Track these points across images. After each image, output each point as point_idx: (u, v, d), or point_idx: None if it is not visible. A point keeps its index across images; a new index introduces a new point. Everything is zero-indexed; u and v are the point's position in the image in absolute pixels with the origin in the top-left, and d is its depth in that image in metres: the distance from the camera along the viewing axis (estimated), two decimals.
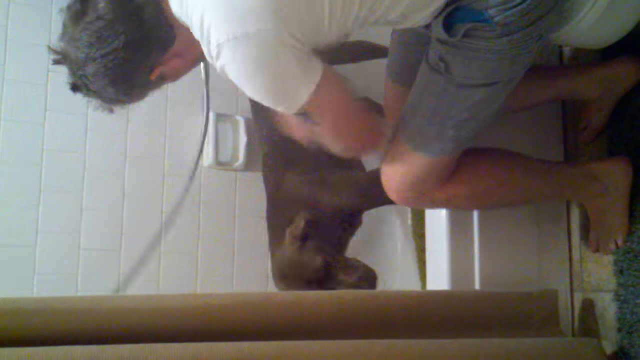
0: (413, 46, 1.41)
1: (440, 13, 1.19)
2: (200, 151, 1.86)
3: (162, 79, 1.29)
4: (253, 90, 1.17)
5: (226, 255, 2.25)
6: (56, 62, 1.25)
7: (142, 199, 2.19)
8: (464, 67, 1.21)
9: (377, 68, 1.67)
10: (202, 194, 2.26)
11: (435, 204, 1.52)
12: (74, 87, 1.26)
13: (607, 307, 1.54)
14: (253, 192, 2.28)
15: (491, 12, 1.14)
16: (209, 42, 1.12)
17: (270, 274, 2.24)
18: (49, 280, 2.05)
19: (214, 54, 1.13)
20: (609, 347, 1.49)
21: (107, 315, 1.25)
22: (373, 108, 2.17)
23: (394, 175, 1.37)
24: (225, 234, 2.26)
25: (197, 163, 1.83)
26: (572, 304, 1.67)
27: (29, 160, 2.11)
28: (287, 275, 1.64)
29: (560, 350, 1.35)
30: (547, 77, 1.56)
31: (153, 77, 1.25)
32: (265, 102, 1.20)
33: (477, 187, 1.41)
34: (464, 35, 1.17)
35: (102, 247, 2.12)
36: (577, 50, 1.66)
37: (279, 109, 1.21)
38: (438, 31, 1.20)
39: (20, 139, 2.12)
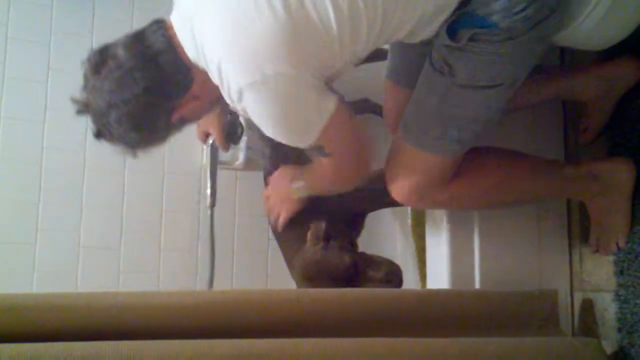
0: (413, 47, 1.42)
1: (445, 22, 1.20)
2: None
3: (183, 122, 1.33)
4: (273, 129, 1.23)
5: (226, 253, 2.25)
6: (79, 112, 1.29)
7: (142, 197, 2.18)
8: (467, 70, 1.22)
9: (378, 70, 1.67)
10: (202, 193, 2.26)
11: (439, 204, 1.54)
12: (98, 134, 1.31)
13: (607, 307, 1.54)
14: (253, 191, 2.27)
15: (495, 18, 1.15)
16: (229, 88, 1.18)
17: (269, 272, 2.25)
18: (48, 277, 2.04)
19: (235, 98, 1.18)
20: (609, 347, 1.49)
21: (107, 312, 1.25)
22: (373, 110, 2.18)
23: (399, 177, 1.38)
24: (225, 233, 2.26)
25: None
26: (572, 303, 1.67)
27: (29, 158, 2.11)
28: (314, 277, 1.60)
29: (561, 350, 1.35)
30: (547, 77, 1.56)
31: (174, 120, 1.30)
32: (283, 140, 1.25)
33: (480, 187, 1.42)
34: (469, 39, 1.18)
35: (101, 245, 2.12)
36: (578, 50, 1.66)
37: (293, 144, 1.25)
38: (442, 37, 1.21)
39: (21, 136, 2.11)
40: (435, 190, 1.38)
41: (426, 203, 1.51)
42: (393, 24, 1.19)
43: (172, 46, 1.23)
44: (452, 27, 1.20)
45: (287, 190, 1.56)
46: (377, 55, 1.97)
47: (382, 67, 1.61)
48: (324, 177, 1.44)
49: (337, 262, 1.56)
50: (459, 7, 1.18)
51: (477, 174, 1.41)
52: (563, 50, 1.74)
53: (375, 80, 1.67)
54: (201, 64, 1.22)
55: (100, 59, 1.24)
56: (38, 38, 2.15)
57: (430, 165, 1.34)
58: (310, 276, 1.60)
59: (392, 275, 1.56)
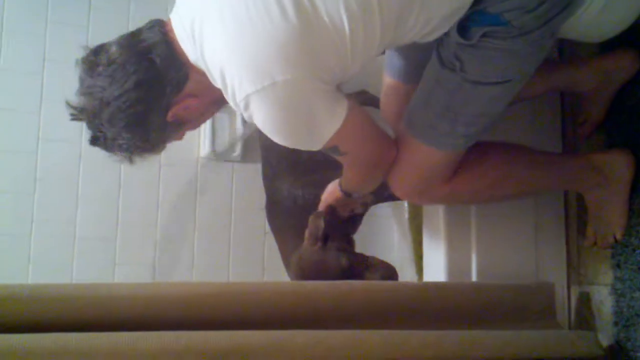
0: (411, 44, 1.41)
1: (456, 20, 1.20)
2: None
3: (180, 123, 1.28)
4: (281, 136, 1.18)
5: (222, 245, 2.24)
6: (74, 117, 1.24)
7: (138, 189, 2.18)
8: (480, 66, 1.21)
9: (376, 62, 1.66)
10: (198, 184, 2.25)
11: (439, 200, 1.52)
12: (93, 140, 1.25)
13: (604, 301, 1.54)
14: (250, 182, 2.26)
15: (507, 16, 1.14)
16: (234, 94, 1.13)
17: (266, 264, 2.25)
18: (44, 269, 2.04)
19: (241, 105, 1.14)
20: (605, 340, 1.49)
21: (102, 302, 1.24)
22: (371, 102, 2.17)
23: (401, 172, 1.36)
24: (221, 224, 2.26)
25: None
26: (568, 297, 1.67)
27: (24, 149, 2.10)
28: (310, 278, 1.57)
29: (557, 343, 1.35)
30: (546, 69, 1.55)
31: (169, 118, 1.24)
32: (291, 145, 1.21)
33: (481, 182, 1.41)
34: (481, 36, 1.17)
35: (97, 237, 2.11)
36: (577, 42, 1.65)
37: (304, 148, 1.23)
38: (453, 35, 1.20)
39: (16, 128, 2.10)
40: (436, 186, 1.37)
41: (426, 199, 1.49)
42: (407, 27, 1.17)
43: (167, 42, 1.19)
44: (464, 25, 1.19)
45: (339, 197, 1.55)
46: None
47: (380, 60, 1.59)
48: (351, 179, 1.45)
49: (334, 264, 1.54)
50: (471, 6, 1.17)
51: (478, 169, 1.40)
52: (562, 43, 1.73)
53: (374, 73, 1.66)
54: (201, 65, 1.18)
55: (94, 57, 1.20)
56: (33, 28, 2.14)
57: (435, 159, 1.33)
58: (307, 276, 1.58)
59: (389, 279, 1.55)
